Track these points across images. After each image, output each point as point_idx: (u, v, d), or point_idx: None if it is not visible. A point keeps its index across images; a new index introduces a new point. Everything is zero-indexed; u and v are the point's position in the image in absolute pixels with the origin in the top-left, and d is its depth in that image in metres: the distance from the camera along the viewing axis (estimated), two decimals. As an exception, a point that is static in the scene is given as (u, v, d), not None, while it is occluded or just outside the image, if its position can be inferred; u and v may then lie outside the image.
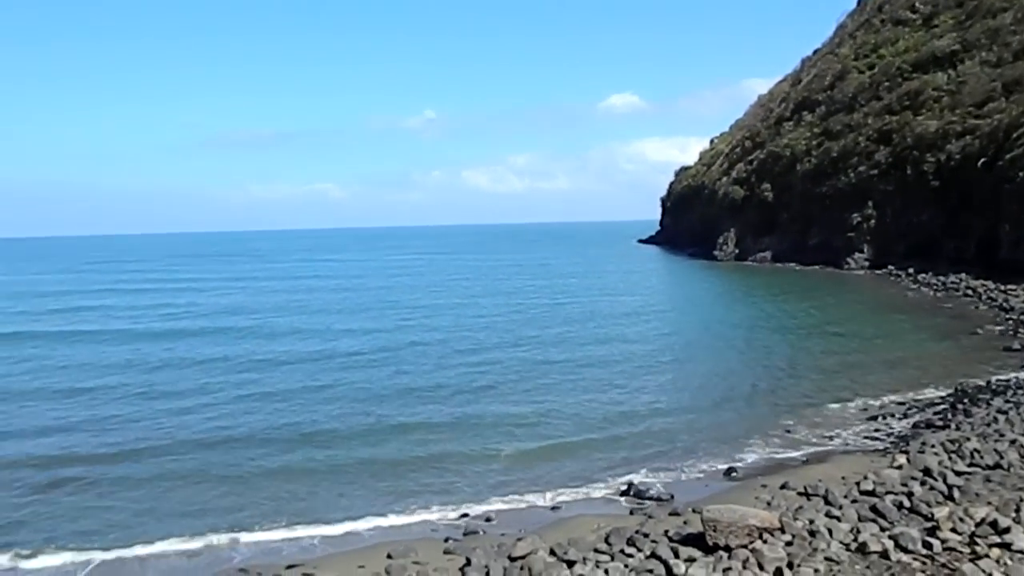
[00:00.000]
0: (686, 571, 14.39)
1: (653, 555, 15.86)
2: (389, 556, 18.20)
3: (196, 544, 19.70)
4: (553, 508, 21.76)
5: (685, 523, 18.13)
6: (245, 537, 20.12)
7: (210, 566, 18.57)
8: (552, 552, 17.06)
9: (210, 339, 49.75)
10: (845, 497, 18.52)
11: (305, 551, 19.38)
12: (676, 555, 15.41)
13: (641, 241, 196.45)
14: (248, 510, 21.73)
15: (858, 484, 19.47)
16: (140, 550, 19.35)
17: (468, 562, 17.25)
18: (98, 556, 18.98)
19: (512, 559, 16.86)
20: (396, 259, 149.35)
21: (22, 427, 29.60)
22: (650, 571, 14.98)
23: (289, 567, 17.99)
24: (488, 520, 20.99)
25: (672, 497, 21.64)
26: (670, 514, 19.81)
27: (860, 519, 16.51)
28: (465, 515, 21.31)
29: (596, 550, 17.05)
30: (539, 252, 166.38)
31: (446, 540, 19.36)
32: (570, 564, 16.10)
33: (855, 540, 14.61)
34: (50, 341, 50.32)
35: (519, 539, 18.04)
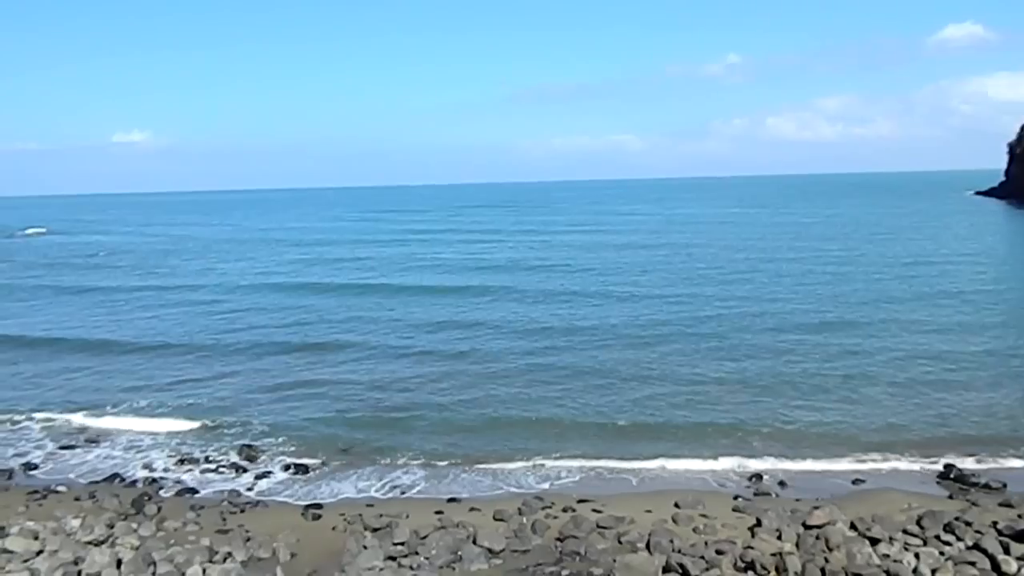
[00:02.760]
0: (1018, 570, 12.62)
1: (976, 546, 14.17)
2: (676, 505, 18.37)
3: (499, 465, 21.75)
4: (855, 481, 20.30)
5: (1020, 517, 15.90)
6: (539, 466, 21.71)
7: (512, 492, 20.31)
8: (853, 526, 15.98)
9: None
10: None
11: (595, 487, 20.32)
12: (1006, 551, 13.59)
13: (979, 194, 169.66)
14: (542, 441, 23.32)
15: None
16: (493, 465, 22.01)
17: (758, 523, 16.81)
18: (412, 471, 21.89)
19: (807, 527, 16.10)
20: (694, 213, 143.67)
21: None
22: (971, 563, 13.41)
23: (580, 501, 19.00)
24: (782, 484, 20.20)
25: (1004, 486, 19.03)
26: (1000, 504, 17.52)
27: None
28: (757, 476, 20.70)
29: (906, 531, 15.63)
30: (853, 207, 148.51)
31: (735, 498, 19.03)
32: (873, 542, 14.97)
33: None
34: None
35: (815, 507, 17.15)
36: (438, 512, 18.48)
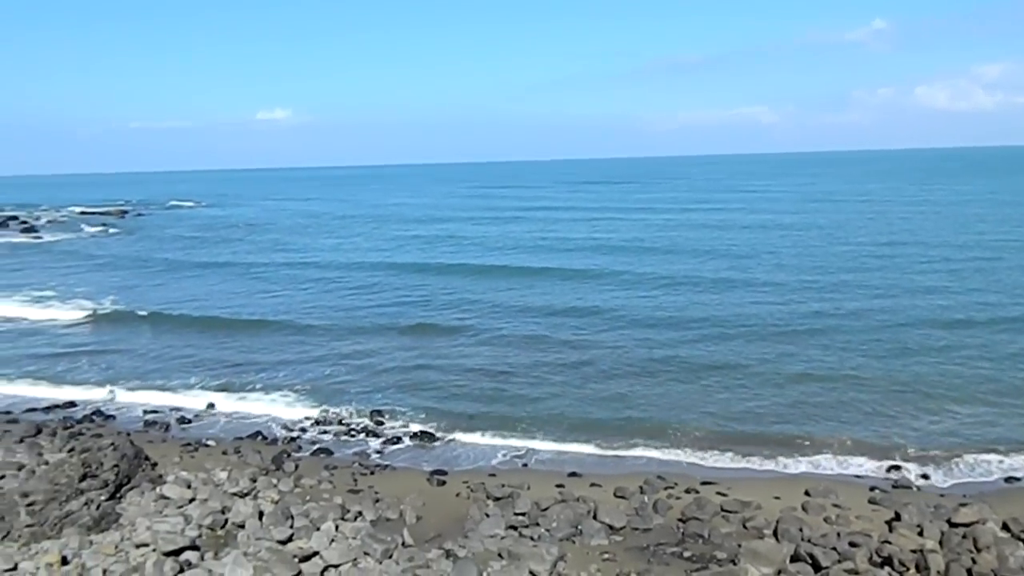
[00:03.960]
0: None
1: None
2: (807, 493, 17.66)
3: (620, 442, 21.65)
4: (1008, 479, 18.82)
5: None
6: (657, 450, 21.45)
7: (633, 471, 20.18)
8: (1006, 527, 14.82)
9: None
10: None
11: (718, 471, 19.85)
12: None
13: None
14: (663, 424, 23.02)
15: None
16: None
17: (897, 516, 15.91)
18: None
19: (952, 524, 15.07)
20: (832, 190, 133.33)
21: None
22: None
23: (704, 483, 18.61)
24: (924, 477, 19.02)
25: None
26: None
27: None
28: (896, 467, 19.57)
29: (1067, 536, 14.33)
30: (1017, 183, 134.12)
31: (872, 489, 18.08)
32: (1029, 545, 13.82)
33: None
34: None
35: (962, 504, 16.02)
36: (559, 486, 18.60)
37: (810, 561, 14.21)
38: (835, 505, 16.97)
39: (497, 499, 17.70)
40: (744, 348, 29.84)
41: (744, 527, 16.05)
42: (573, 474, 19.71)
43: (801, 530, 15.45)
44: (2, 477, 16.80)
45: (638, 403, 24.64)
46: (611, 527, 16.25)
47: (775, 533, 15.58)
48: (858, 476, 19.28)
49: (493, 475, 19.67)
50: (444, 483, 19.10)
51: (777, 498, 17.45)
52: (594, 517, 16.54)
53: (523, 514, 16.78)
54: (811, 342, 30.20)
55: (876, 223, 72.64)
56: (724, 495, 17.65)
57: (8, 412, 25.46)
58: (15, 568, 13.64)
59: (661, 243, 61.86)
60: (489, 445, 22.13)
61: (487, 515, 16.73)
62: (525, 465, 20.67)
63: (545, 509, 16.91)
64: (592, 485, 18.71)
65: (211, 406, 25.84)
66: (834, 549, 14.51)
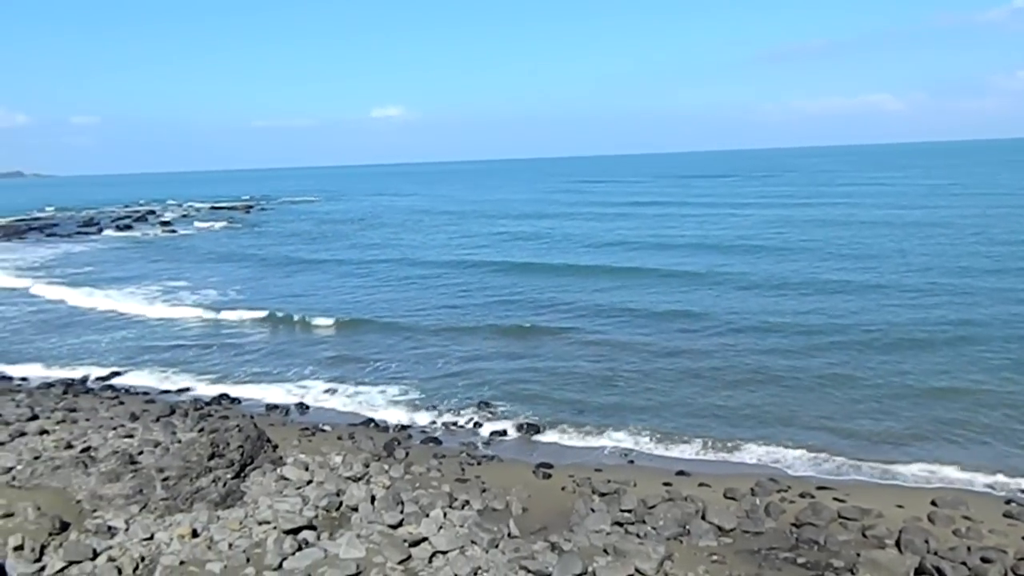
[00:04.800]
0: None
1: None
2: (934, 503, 16.64)
3: (730, 444, 21.09)
4: None
5: None
6: (768, 453, 20.71)
7: (744, 472, 19.63)
8: None
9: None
10: None
11: (835, 477, 19.01)
12: None
13: None
14: (773, 428, 22.25)
15: None
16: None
17: (1036, 533, 14.77)
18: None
19: (1101, 544, 13.85)
20: (966, 182, 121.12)
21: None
22: None
23: (820, 488, 17.87)
24: (1069, 493, 17.56)
25: None
26: None
27: None
28: (1036, 480, 18.15)
29: None
30: None
31: (1008, 503, 16.84)
32: None
33: None
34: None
35: (1113, 524, 14.70)
36: (666, 484, 18.31)
37: (936, 575, 13.41)
38: (965, 517, 15.92)
39: (603, 495, 17.61)
40: (865, 356, 27.92)
41: (863, 536, 15.31)
42: (681, 473, 19.35)
43: (927, 542, 14.60)
44: (140, 453, 18.13)
45: (748, 407, 23.82)
46: (720, 528, 15.87)
47: (898, 544, 14.79)
48: (991, 487, 18.00)
49: (599, 470, 19.58)
50: (549, 476, 19.17)
51: (900, 507, 16.54)
52: (703, 517, 16.20)
53: (629, 511, 16.63)
54: (943, 352, 27.91)
55: (1019, 219, 66.03)
56: (842, 501, 16.88)
57: (146, 393, 27.41)
58: (151, 538, 14.67)
59: (773, 241, 58.55)
60: (595, 440, 22.02)
61: (592, 510, 16.68)
62: (631, 462, 20.45)
63: (652, 507, 16.69)
64: (700, 485, 18.30)
65: (327, 393, 26.92)
66: (964, 564, 13.64)
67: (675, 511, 16.35)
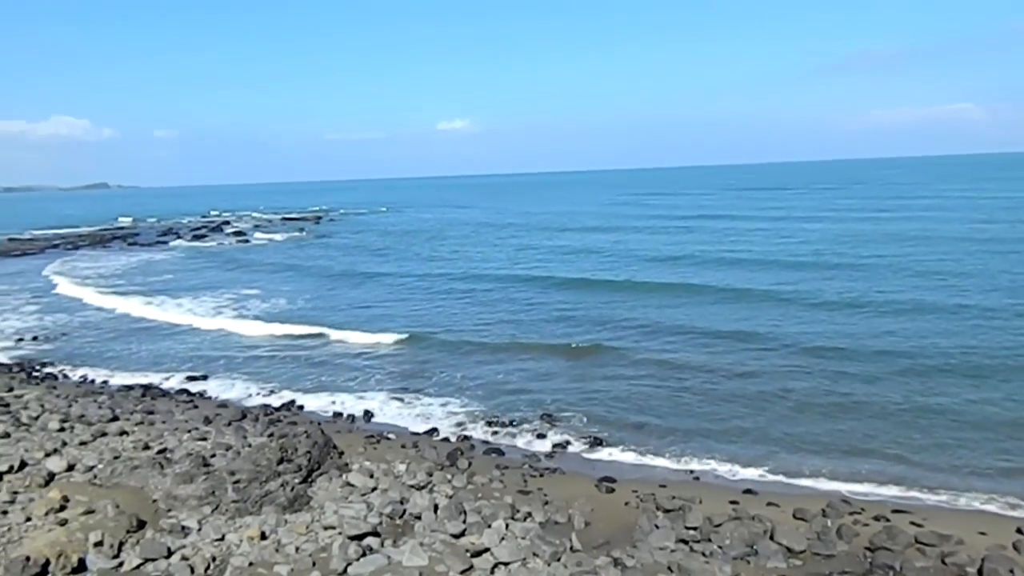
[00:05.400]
0: None
1: None
2: (1020, 531, 15.83)
3: (800, 464, 20.47)
4: None
5: None
6: (840, 472, 20.02)
7: (814, 492, 19.03)
8: None
9: None
10: None
11: (911, 500, 18.25)
12: None
13: None
14: (847, 454, 21.51)
15: None
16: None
17: None
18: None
19: None
20: None
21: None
22: None
23: (896, 511, 17.20)
24: None
25: None
26: None
27: None
28: None
29: None
30: None
31: (1103, 534, 15.87)
32: None
33: None
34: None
35: None
36: (733, 502, 17.90)
37: (1023, 608, 12.73)
38: (1055, 548, 15.08)
39: (667, 511, 17.32)
40: (945, 382, 26.43)
41: (943, 563, 14.64)
42: (748, 491, 18.88)
43: (1012, 572, 13.87)
44: (213, 456, 18.69)
45: (819, 429, 22.88)
46: (790, 550, 15.40)
47: (980, 572, 14.10)
48: (1086, 518, 17.00)
49: (663, 486, 19.26)
50: (613, 491, 18.95)
51: (983, 534, 15.79)
52: (771, 538, 15.75)
53: (694, 528, 16.30)
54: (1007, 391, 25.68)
55: None
56: (919, 526, 16.20)
57: (218, 397, 28.27)
58: (222, 539, 15.07)
59: (846, 257, 55.84)
60: (658, 457, 21.65)
61: (656, 526, 16.42)
62: (696, 479, 20.05)
63: (718, 525, 16.32)
64: (769, 504, 17.82)
65: (391, 403, 27.26)
66: (1053, 597, 12.90)
67: (742, 530, 15.95)
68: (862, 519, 16.73)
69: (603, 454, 22.05)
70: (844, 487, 19.14)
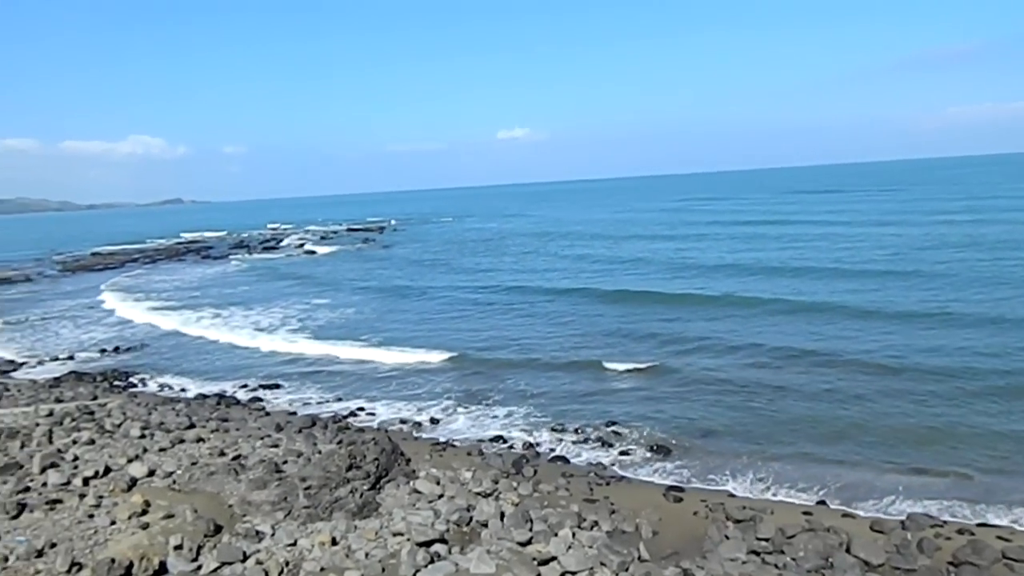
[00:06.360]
0: None
1: None
2: (1118, 547, 14.95)
3: (877, 475, 19.79)
4: None
5: None
6: (926, 484, 19.25)
7: (893, 505, 18.37)
8: None
9: None
10: None
11: (996, 512, 17.42)
12: None
13: None
14: (930, 464, 20.68)
15: None
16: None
17: None
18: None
19: None
20: None
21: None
22: None
23: (980, 525, 16.51)
24: None
25: None
26: None
27: None
28: None
29: None
30: None
31: None
32: None
33: None
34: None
35: None
36: (806, 513, 17.43)
37: (1124, 629, 12.01)
38: None
39: (737, 521, 16.96)
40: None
41: (1034, 579, 13.95)
42: (821, 503, 18.37)
43: (1111, 591, 13.12)
44: (285, 462, 19.13)
45: (897, 442, 21.97)
46: (867, 563, 14.90)
47: (1075, 591, 13.37)
48: None
49: (732, 496, 18.90)
50: (680, 500, 18.67)
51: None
52: (847, 550, 15.26)
53: (766, 539, 15.92)
54: None
55: None
56: (1007, 540, 15.46)
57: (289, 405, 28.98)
58: (295, 544, 15.41)
59: (921, 264, 52.38)
60: (729, 464, 21.23)
61: (727, 537, 16.10)
62: (768, 488, 19.59)
63: (791, 537, 15.90)
64: (844, 516, 17.30)
65: (457, 411, 27.46)
66: None
67: (816, 542, 15.51)
68: (944, 532, 16.08)
69: (670, 463, 21.73)
70: (922, 505, 18.23)
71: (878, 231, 77.89)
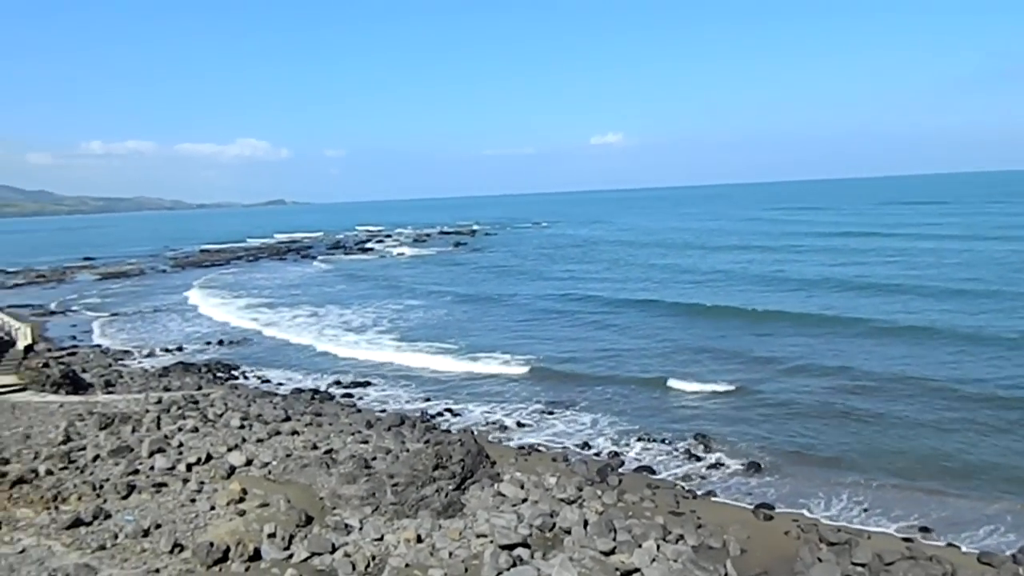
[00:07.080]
0: None
1: None
2: None
3: (987, 503, 18.62)
4: None
5: None
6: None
7: (1003, 536, 17.26)
8: None
9: None
10: None
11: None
12: None
13: None
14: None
15: None
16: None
17: None
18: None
19: None
20: None
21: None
22: None
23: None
24: None
25: None
26: None
27: None
28: None
29: None
30: None
31: None
32: None
33: None
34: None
35: None
36: (906, 540, 16.62)
37: None
38: None
39: (831, 544, 16.28)
40: None
41: None
42: (924, 529, 17.42)
43: None
44: (374, 458, 19.60)
45: (1003, 474, 20.51)
46: (973, 597, 14.05)
47: None
48: None
49: (826, 518, 18.17)
50: (771, 518, 18.10)
51: None
52: (951, 582, 14.44)
53: (862, 565, 15.22)
54: None
55: None
56: None
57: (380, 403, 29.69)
58: (381, 539, 15.76)
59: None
60: (824, 483, 20.41)
61: (819, 559, 15.48)
62: (865, 511, 18.72)
63: (889, 564, 15.14)
64: (948, 546, 16.37)
65: (542, 417, 27.49)
66: None
67: (917, 571, 14.72)
68: (1062, 569, 14.98)
69: (761, 479, 21.08)
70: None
71: (986, 247, 72.32)
